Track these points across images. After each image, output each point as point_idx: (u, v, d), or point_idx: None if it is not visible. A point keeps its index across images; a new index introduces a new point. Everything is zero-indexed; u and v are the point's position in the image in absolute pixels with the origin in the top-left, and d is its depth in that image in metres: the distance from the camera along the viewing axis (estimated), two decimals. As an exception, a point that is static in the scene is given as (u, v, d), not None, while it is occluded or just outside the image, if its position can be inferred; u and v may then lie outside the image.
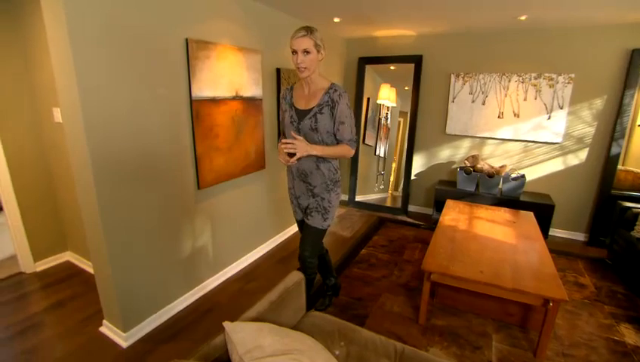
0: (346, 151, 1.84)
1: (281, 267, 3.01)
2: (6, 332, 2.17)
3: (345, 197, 4.84)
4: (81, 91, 1.64)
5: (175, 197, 2.25)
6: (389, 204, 4.74)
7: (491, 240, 2.55)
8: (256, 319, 1.33)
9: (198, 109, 2.27)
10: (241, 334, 1.14)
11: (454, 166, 4.17)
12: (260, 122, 2.91)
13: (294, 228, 3.76)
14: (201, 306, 2.43)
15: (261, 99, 2.88)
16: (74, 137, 1.76)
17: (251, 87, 2.74)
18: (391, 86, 4.38)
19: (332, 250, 3.32)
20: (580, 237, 3.72)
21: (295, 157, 1.75)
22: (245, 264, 3.01)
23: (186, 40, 2.13)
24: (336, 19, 3.31)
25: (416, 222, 4.13)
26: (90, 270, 2.76)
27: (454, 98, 3.96)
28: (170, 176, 2.19)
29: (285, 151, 1.77)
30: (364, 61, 4.30)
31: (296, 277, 1.63)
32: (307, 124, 1.79)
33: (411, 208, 4.51)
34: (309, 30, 1.67)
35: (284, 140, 1.76)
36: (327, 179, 1.91)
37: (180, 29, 2.11)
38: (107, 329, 2.12)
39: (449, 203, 3.42)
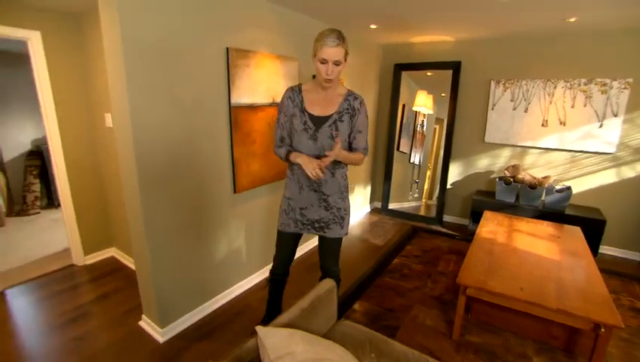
0: (360, 158, 1.76)
1: (310, 274, 3.01)
2: (60, 319, 2.35)
3: (378, 204, 4.79)
4: (130, 97, 1.76)
5: (212, 200, 2.33)
6: (423, 212, 4.62)
7: (533, 256, 2.41)
8: (288, 325, 1.34)
9: (237, 115, 2.35)
10: (272, 339, 1.15)
11: (493, 176, 4.00)
12: (295, 129, 2.95)
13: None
14: (233, 308, 2.49)
15: (296, 106, 2.93)
16: (122, 141, 1.89)
17: (287, 94, 2.79)
18: (427, 93, 4.29)
19: (363, 258, 3.29)
20: (636, 256, 3.42)
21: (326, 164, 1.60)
22: (277, 268, 3.04)
23: (227, 49, 2.21)
24: (372, 26, 3.31)
25: (452, 232, 3.99)
26: (132, 266, 2.92)
27: (494, 105, 3.80)
28: (208, 179, 2.27)
29: (325, 165, 1.59)
30: (400, 67, 4.25)
31: (327, 284, 1.63)
32: (327, 132, 1.66)
33: (446, 218, 4.37)
34: (341, 38, 1.52)
35: (321, 161, 1.58)
36: (341, 186, 1.81)
37: (222, 39, 2.20)
38: (145, 323, 2.23)
39: (487, 214, 3.28)
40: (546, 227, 2.97)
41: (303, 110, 1.69)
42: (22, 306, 2.53)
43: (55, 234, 3.76)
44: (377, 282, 2.85)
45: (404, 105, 4.41)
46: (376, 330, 1.67)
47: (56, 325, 2.29)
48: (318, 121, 1.68)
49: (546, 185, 3.47)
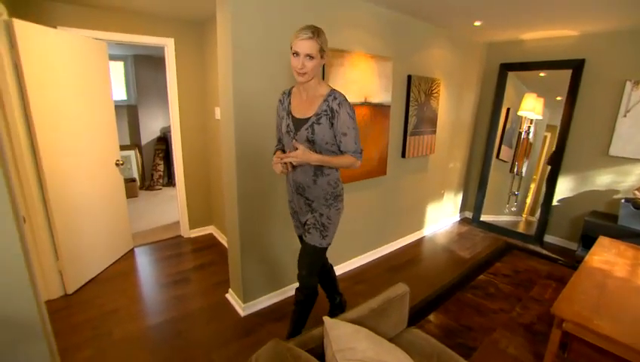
0: (351, 161, 1.65)
1: (389, 276, 2.98)
2: (166, 279, 2.80)
3: (469, 214, 4.45)
4: (235, 93, 1.99)
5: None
6: (520, 229, 4.13)
7: (664, 299, 1.96)
8: (355, 322, 1.37)
9: (328, 114, 2.45)
10: (337, 332, 1.19)
11: (617, 196, 3.35)
12: (386, 128, 2.93)
13: (409, 239, 3.67)
14: (308, 296, 2.62)
15: (389, 106, 2.91)
16: (226, 132, 2.15)
17: (380, 94, 2.79)
18: (537, 95, 3.80)
19: (445, 269, 3.12)
20: None
21: (291, 166, 1.65)
22: (355, 266, 3.09)
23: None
24: (476, 23, 3.07)
25: (553, 255, 3.49)
26: (226, 244, 3.30)
27: (627, 111, 3.17)
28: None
29: (283, 161, 1.62)
30: (506, 67, 3.85)
31: (400, 289, 1.60)
32: (303, 135, 1.60)
33: (548, 238, 3.82)
34: (315, 32, 1.47)
35: (279, 155, 1.64)
36: (326, 193, 1.72)
37: (319, 41, 2.31)
38: (231, 297, 2.50)
39: (603, 240, 2.77)
40: (688, 266, 2.38)
41: (289, 113, 1.67)
42: (142, 263, 3.10)
43: (170, 208, 4.46)
44: (458, 296, 2.67)
45: (508, 109, 3.99)
46: (450, 347, 1.58)
47: (163, 283, 2.75)
48: (298, 124, 1.63)
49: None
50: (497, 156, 4.16)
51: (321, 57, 1.53)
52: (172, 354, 1.99)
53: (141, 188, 5.40)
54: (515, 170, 4.13)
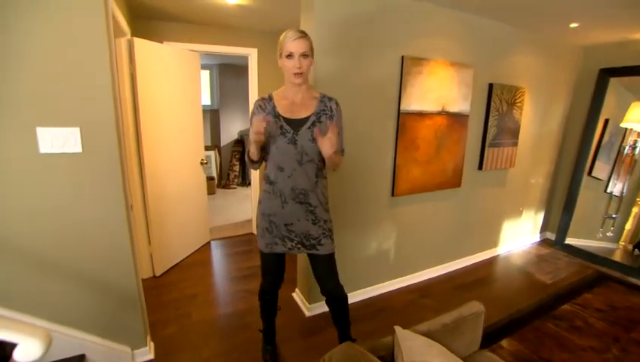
0: (340, 160, 1.66)
1: (457, 293, 2.83)
2: (237, 273, 3.01)
3: (551, 236, 4.03)
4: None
5: (370, 198, 2.49)
6: (617, 258, 3.60)
7: None
8: (425, 335, 1.33)
9: (404, 122, 2.43)
10: (410, 343, 1.18)
11: None
12: (463, 138, 2.81)
13: (481, 256, 3.45)
14: (375, 304, 2.60)
15: (467, 116, 2.78)
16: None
17: (459, 103, 2.69)
18: (648, 105, 3.30)
19: (520, 292, 2.87)
20: None
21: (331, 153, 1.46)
22: (422, 278, 2.99)
23: (402, 57, 2.31)
24: (573, 25, 2.79)
25: (663, 293, 2.98)
26: (293, 245, 3.42)
27: None
28: (370, 179, 2.45)
29: (328, 144, 1.43)
30: (608, 72, 3.42)
31: (475, 307, 1.52)
32: (306, 134, 1.55)
33: (656, 272, 3.28)
34: (303, 32, 1.49)
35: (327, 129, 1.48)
36: (324, 197, 1.67)
37: (398, 47, 2.31)
38: (297, 296, 2.59)
39: None
40: None
41: (277, 115, 1.59)
42: (217, 255, 3.37)
43: (244, 206, 4.78)
44: (536, 324, 2.43)
45: (606, 121, 3.54)
46: (528, 377, 1.45)
47: (234, 276, 2.95)
48: (296, 125, 1.58)
49: None
50: (589, 173, 3.70)
51: (312, 56, 1.53)
52: (239, 343, 2.12)
53: (218, 186, 5.88)
54: (613, 189, 3.63)
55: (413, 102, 2.42)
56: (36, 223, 1.51)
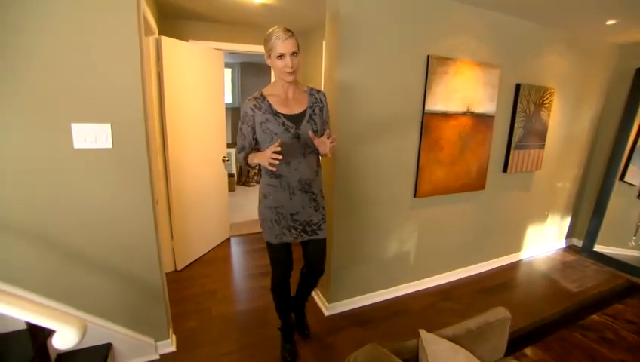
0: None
1: (480, 297, 2.76)
2: (255, 270, 3.03)
3: (578, 242, 3.89)
4: (339, 91, 2.07)
5: (392, 199, 2.46)
6: (649, 267, 3.44)
7: None
8: (450, 339, 1.31)
9: (428, 122, 2.39)
10: (435, 347, 1.16)
11: None
12: (488, 140, 2.74)
13: (504, 260, 3.36)
14: (393, 306, 2.57)
15: (493, 117, 2.71)
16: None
17: (484, 103, 2.62)
18: (689, 108, 3.13)
19: (546, 299, 2.78)
20: None
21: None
22: (443, 281, 2.94)
23: (428, 57, 2.27)
24: (610, 22, 2.67)
25: (700, 306, 2.82)
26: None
27: None
28: (392, 179, 2.42)
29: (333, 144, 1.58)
30: (646, 73, 3.26)
31: (500, 313, 1.48)
32: (308, 128, 1.65)
33: (693, 284, 3.11)
34: (290, 31, 1.54)
35: (322, 137, 1.59)
36: (321, 184, 1.83)
37: (424, 47, 2.27)
38: (316, 295, 2.59)
39: None
40: None
41: (276, 113, 1.64)
42: (236, 251, 3.41)
43: (261, 204, 4.81)
44: (562, 334, 2.34)
45: (642, 123, 3.37)
46: (556, 388, 1.40)
47: (252, 273, 2.98)
48: (296, 119, 1.66)
49: None
50: (621, 178, 3.54)
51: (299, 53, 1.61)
52: (259, 339, 2.14)
53: (238, 183, 5.95)
54: (647, 196, 3.46)
55: (438, 102, 2.37)
56: (70, 217, 1.57)
